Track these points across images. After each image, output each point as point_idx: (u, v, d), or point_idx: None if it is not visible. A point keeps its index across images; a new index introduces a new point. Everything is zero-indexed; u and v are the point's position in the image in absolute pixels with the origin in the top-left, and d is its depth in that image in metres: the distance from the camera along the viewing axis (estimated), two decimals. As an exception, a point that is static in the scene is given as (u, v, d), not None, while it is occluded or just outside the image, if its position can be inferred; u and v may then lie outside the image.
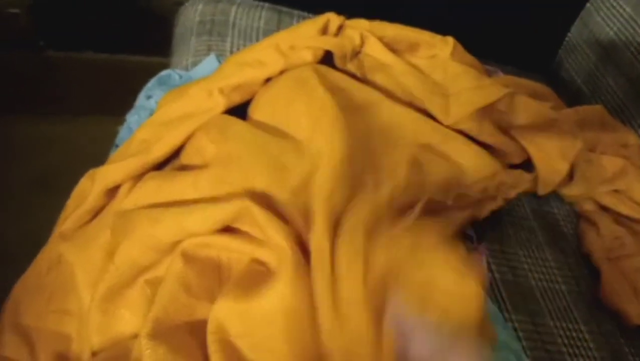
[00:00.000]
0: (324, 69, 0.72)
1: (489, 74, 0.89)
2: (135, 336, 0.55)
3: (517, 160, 0.77)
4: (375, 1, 1.06)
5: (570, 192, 0.80)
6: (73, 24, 1.32)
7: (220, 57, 0.83)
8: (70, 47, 1.34)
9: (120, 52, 1.38)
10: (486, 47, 1.09)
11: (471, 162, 0.69)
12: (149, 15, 1.35)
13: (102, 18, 1.34)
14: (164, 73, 0.80)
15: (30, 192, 1.28)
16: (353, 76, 0.76)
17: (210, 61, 0.81)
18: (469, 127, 0.71)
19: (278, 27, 0.93)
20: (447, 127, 0.71)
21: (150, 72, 0.90)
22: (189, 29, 0.91)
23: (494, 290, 0.68)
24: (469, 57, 0.81)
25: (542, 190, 0.78)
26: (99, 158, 0.73)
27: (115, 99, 1.36)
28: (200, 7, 0.92)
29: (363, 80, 0.76)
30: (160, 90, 0.76)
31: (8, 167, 1.30)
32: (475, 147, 0.71)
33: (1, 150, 1.32)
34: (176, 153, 0.67)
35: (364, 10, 1.02)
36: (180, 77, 0.79)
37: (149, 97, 0.76)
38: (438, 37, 0.80)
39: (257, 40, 0.90)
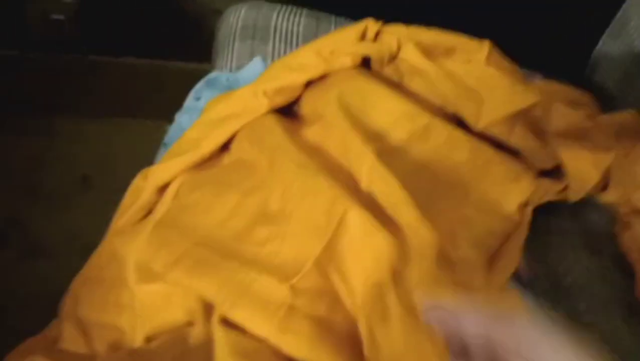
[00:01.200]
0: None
1: (528, 78, 0.90)
2: (189, 323, 0.58)
3: (548, 165, 0.79)
4: (410, 8, 1.09)
5: (606, 198, 0.81)
6: (115, 30, 1.38)
7: (264, 60, 0.86)
8: (112, 52, 1.39)
9: (160, 57, 1.42)
10: (518, 53, 1.11)
11: (510, 197, 0.70)
12: (187, 23, 1.39)
13: (143, 25, 1.39)
14: (211, 75, 0.83)
15: (70, 189, 1.33)
16: (390, 81, 0.78)
17: (255, 63, 0.84)
18: (500, 130, 0.73)
19: (316, 32, 0.96)
20: (480, 138, 0.72)
21: (188, 77, 0.94)
22: (232, 33, 0.94)
23: (532, 287, 0.70)
24: (505, 62, 0.83)
25: (573, 197, 0.79)
26: (137, 158, 0.77)
27: (154, 103, 1.41)
28: (242, 12, 0.96)
29: (399, 86, 0.78)
30: (208, 91, 0.80)
31: (51, 165, 1.35)
32: (511, 172, 0.71)
33: (45, 148, 1.38)
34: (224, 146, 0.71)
35: (400, 15, 1.05)
36: (227, 79, 0.83)
37: (198, 98, 0.79)
38: (474, 42, 0.82)
39: (297, 44, 0.93)
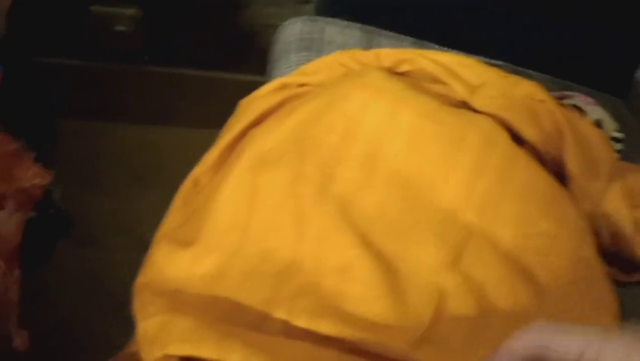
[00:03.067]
0: None
1: (565, 97, 0.93)
2: None
3: None
4: (454, 25, 1.13)
5: None
6: (172, 42, 1.45)
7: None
8: (168, 62, 1.47)
9: (212, 69, 1.50)
10: (564, 66, 1.13)
11: None
12: (241, 37, 1.46)
13: (198, 38, 1.46)
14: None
15: (125, 188, 1.40)
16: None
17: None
18: (510, 116, 0.76)
19: (369, 46, 1.01)
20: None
21: (239, 89, 0.98)
22: (288, 45, 1.00)
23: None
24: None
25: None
26: (188, 162, 0.80)
27: (205, 112, 1.48)
28: (299, 25, 1.02)
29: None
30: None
31: (108, 165, 1.43)
32: None
33: (104, 150, 1.46)
34: None
35: (445, 33, 1.09)
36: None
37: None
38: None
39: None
